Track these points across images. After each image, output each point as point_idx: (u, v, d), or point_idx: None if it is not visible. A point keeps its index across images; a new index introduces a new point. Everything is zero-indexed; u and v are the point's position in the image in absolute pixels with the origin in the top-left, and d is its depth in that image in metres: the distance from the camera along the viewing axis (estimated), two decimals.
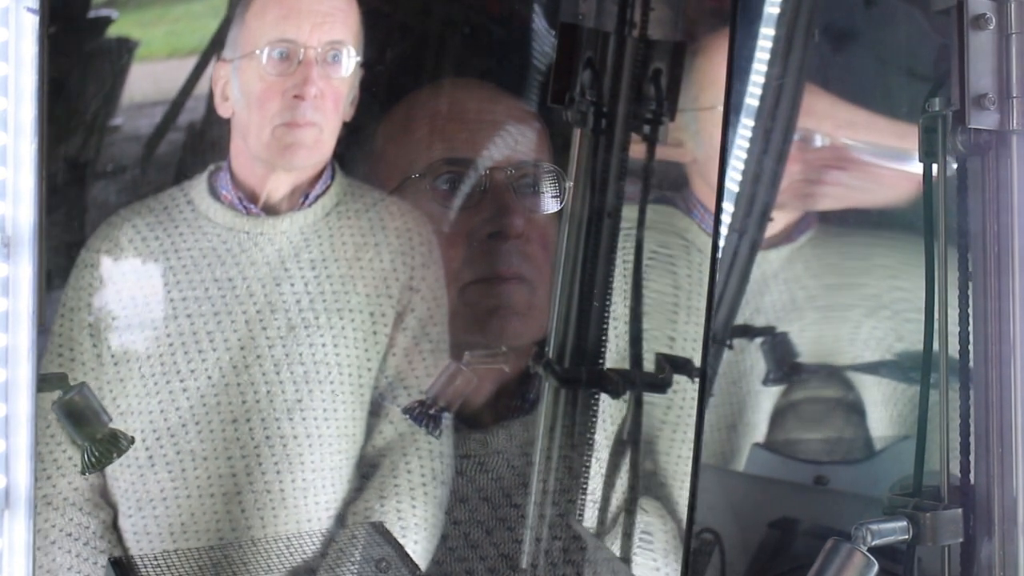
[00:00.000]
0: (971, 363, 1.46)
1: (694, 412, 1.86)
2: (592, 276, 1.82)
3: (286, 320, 1.99)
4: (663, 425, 1.89)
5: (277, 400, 1.98)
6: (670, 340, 1.93)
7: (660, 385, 1.77)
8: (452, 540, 2.11)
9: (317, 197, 2.05)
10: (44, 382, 1.67)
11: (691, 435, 1.86)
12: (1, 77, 1.26)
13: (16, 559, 1.30)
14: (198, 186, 2.06)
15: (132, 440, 1.76)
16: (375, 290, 2.04)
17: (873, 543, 1.40)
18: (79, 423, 1.68)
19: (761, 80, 2.04)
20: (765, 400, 2.20)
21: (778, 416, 2.20)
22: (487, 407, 2.24)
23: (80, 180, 2.23)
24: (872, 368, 2.18)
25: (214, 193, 2.04)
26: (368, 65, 2.06)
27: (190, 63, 2.23)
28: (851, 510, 1.97)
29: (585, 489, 1.84)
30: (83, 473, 1.91)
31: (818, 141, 2.15)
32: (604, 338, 1.83)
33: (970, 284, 1.47)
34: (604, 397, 1.82)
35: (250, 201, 2.03)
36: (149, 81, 2.28)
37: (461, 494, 2.15)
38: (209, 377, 1.97)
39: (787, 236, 2.21)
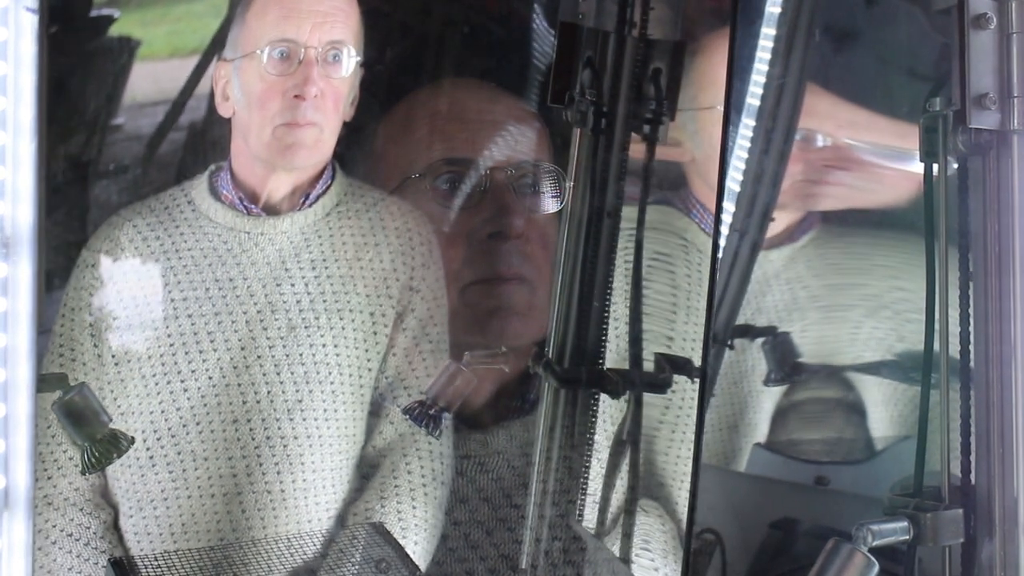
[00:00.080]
0: (972, 363, 1.46)
1: (693, 412, 1.85)
2: (592, 276, 1.82)
3: (286, 320, 1.99)
4: (661, 425, 1.89)
5: (277, 400, 1.98)
6: (670, 340, 1.93)
7: (660, 385, 1.77)
8: (452, 540, 2.11)
9: (317, 197, 2.05)
10: (44, 382, 1.67)
11: (690, 435, 1.86)
12: (0, 77, 1.26)
13: (15, 560, 1.30)
14: (199, 186, 2.06)
15: (132, 440, 1.76)
16: (375, 290, 2.04)
17: (874, 543, 1.40)
18: (79, 423, 1.68)
19: (762, 80, 2.04)
20: (766, 400, 2.20)
21: (779, 416, 2.20)
22: (487, 407, 2.24)
23: (81, 179, 2.23)
24: (873, 368, 2.18)
25: (215, 193, 2.04)
26: (368, 65, 2.06)
27: (191, 63, 2.23)
28: (852, 510, 1.96)
29: (585, 489, 1.84)
30: (83, 473, 1.91)
31: (819, 141, 2.14)
32: (604, 338, 1.83)
33: (971, 284, 1.46)
34: (604, 397, 1.82)
35: (251, 201, 2.03)
36: (150, 80, 2.28)
37: (461, 494, 2.15)
38: (210, 377, 1.97)
39: (789, 236, 2.20)
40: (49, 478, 1.96)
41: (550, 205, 2.24)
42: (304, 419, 1.98)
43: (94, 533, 1.96)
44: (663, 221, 1.99)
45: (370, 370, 2.03)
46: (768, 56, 2.04)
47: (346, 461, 2.02)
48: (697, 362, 1.78)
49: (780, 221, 2.16)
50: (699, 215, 2.03)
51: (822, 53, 2.08)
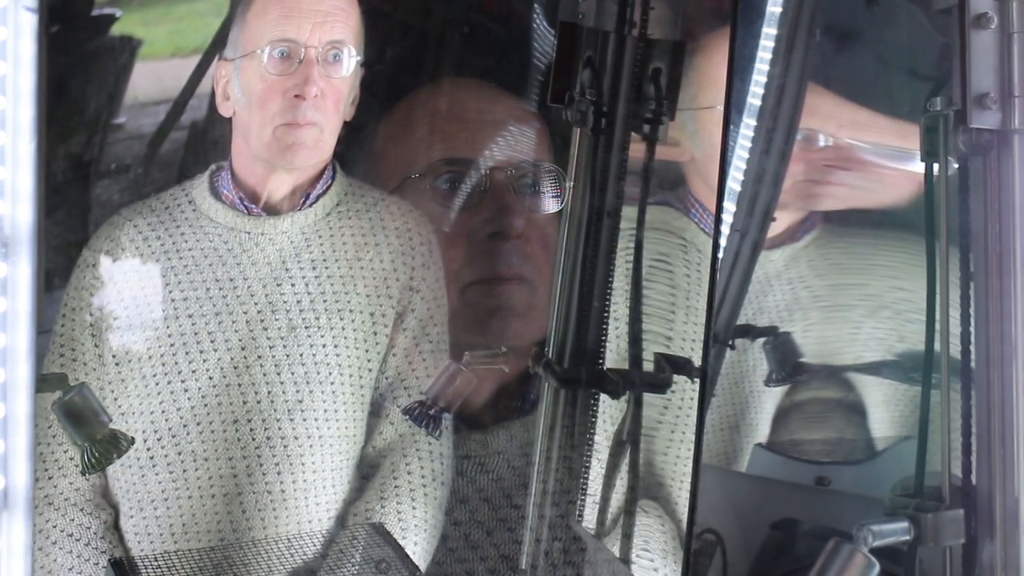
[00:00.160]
0: (973, 363, 1.46)
1: (693, 412, 1.85)
2: (592, 276, 1.81)
3: (287, 320, 1.99)
4: (660, 425, 1.89)
5: (278, 401, 1.98)
6: (670, 340, 1.92)
7: (660, 385, 1.76)
8: (452, 541, 2.11)
9: (318, 197, 2.05)
10: (44, 382, 1.67)
11: (690, 435, 1.86)
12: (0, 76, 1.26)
13: (15, 560, 1.30)
14: (199, 186, 2.06)
15: (132, 441, 1.76)
16: (375, 290, 2.04)
17: (874, 544, 1.40)
18: (79, 423, 1.68)
19: (762, 80, 2.04)
20: (767, 400, 2.19)
21: (780, 416, 2.20)
22: (487, 407, 2.24)
23: (83, 179, 2.23)
24: (874, 368, 2.17)
25: (215, 193, 2.04)
26: (369, 64, 2.06)
27: (193, 62, 2.23)
28: (853, 511, 1.96)
29: (585, 489, 1.84)
30: (83, 474, 1.91)
31: (821, 141, 2.14)
32: (604, 338, 1.82)
33: (972, 284, 1.46)
34: (604, 397, 1.82)
35: (251, 201, 2.03)
36: (152, 80, 2.29)
37: (461, 495, 2.15)
38: (210, 377, 1.97)
39: (791, 236, 2.20)
40: (50, 478, 1.96)
41: (550, 205, 2.24)
42: (304, 419, 1.98)
43: (95, 533, 1.96)
44: (662, 221, 1.99)
45: (370, 370, 2.03)
46: (769, 56, 2.04)
47: (346, 461, 2.02)
48: (697, 362, 1.77)
49: (781, 221, 2.16)
50: (698, 215, 2.02)
51: (823, 53, 2.08)
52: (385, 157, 2.28)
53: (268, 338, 1.99)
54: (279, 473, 1.97)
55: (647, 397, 1.79)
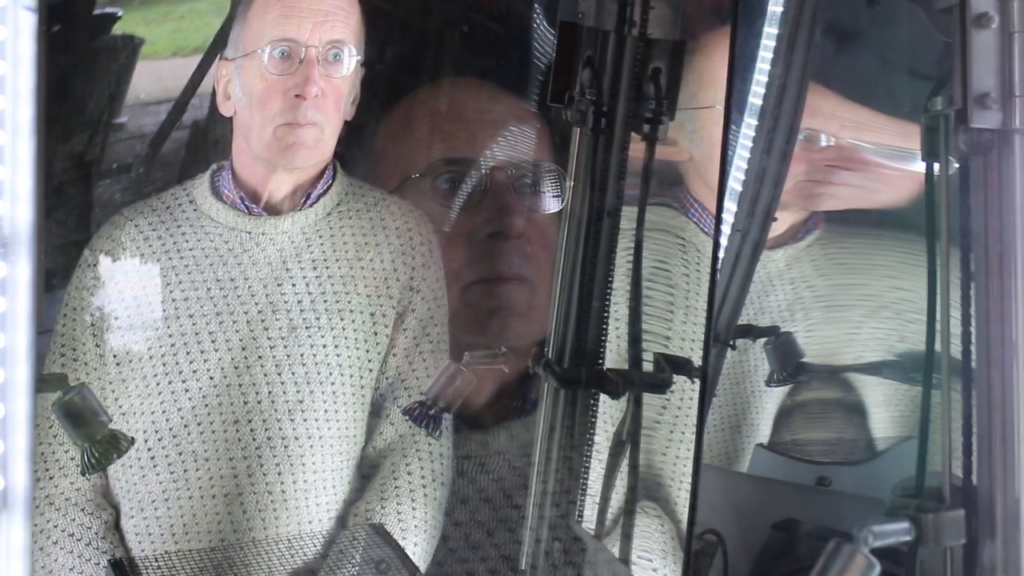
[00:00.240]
0: (973, 363, 1.45)
1: (692, 412, 1.85)
2: (592, 276, 1.81)
3: (287, 320, 1.99)
4: (658, 425, 1.89)
5: (278, 401, 1.98)
6: (669, 340, 1.92)
7: (660, 385, 1.76)
8: (453, 541, 2.11)
9: (318, 197, 2.05)
10: (44, 382, 1.68)
11: (689, 435, 1.85)
12: None
13: (14, 561, 1.30)
14: (200, 185, 2.06)
15: (132, 441, 1.76)
16: (376, 290, 2.04)
17: (875, 544, 1.39)
18: (78, 424, 1.68)
19: (763, 79, 2.04)
20: (768, 401, 2.19)
21: (781, 417, 2.20)
22: (487, 408, 2.24)
23: (84, 178, 2.24)
24: (874, 368, 2.17)
25: (216, 192, 2.04)
26: (369, 64, 2.06)
27: (194, 61, 2.24)
28: (853, 511, 1.95)
29: (585, 490, 1.84)
30: (83, 474, 1.91)
31: (822, 141, 2.14)
32: (604, 338, 1.82)
33: (972, 284, 1.46)
34: (604, 397, 1.82)
35: (252, 201, 2.03)
36: (153, 79, 2.29)
37: (462, 495, 2.15)
38: (211, 377, 1.97)
39: (792, 236, 2.20)
40: (51, 478, 1.96)
41: (550, 205, 2.24)
42: (305, 420, 1.98)
43: (95, 533, 1.96)
44: (662, 221, 1.99)
45: (371, 370, 2.03)
46: (770, 55, 2.03)
47: (346, 462, 2.02)
48: (697, 362, 1.77)
49: (783, 221, 2.16)
50: (697, 215, 2.02)
51: (823, 52, 2.08)
52: (385, 157, 2.28)
53: (269, 338, 1.99)
54: (279, 473, 1.97)
55: (647, 397, 1.78)
